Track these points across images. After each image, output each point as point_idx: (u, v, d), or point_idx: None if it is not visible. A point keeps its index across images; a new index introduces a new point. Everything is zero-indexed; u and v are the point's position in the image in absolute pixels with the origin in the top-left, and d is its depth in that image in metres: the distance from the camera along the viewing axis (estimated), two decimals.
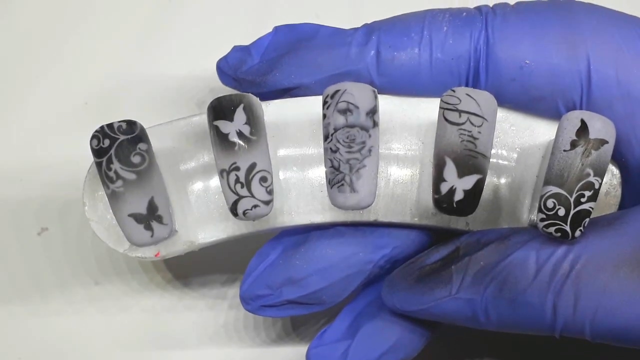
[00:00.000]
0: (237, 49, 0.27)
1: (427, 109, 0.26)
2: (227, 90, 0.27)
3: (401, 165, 0.26)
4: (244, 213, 0.23)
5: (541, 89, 0.25)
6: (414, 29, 0.26)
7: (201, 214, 0.26)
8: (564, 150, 0.23)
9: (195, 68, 0.34)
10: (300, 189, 0.26)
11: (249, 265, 0.27)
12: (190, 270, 0.32)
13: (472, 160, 0.23)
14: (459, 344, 0.25)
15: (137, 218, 0.23)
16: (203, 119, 0.26)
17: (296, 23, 0.27)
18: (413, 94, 0.26)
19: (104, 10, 0.35)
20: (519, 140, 0.26)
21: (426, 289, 0.24)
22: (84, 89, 0.34)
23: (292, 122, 0.26)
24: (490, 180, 0.26)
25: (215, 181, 0.26)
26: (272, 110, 0.26)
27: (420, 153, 0.26)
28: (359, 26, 0.27)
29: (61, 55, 0.34)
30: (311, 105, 0.26)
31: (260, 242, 0.27)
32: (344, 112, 0.23)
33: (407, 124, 0.26)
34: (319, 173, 0.26)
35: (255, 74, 0.27)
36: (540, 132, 0.26)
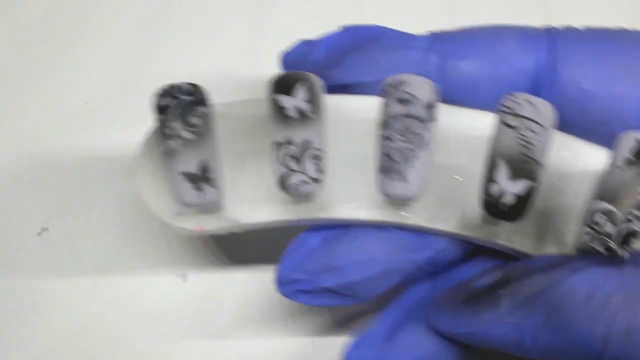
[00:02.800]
0: (303, 43, 0.28)
1: (483, 121, 0.26)
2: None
3: (451, 174, 0.26)
4: (292, 187, 0.23)
5: (600, 113, 0.25)
6: (479, 41, 0.26)
7: (249, 195, 0.26)
8: (618, 168, 0.23)
9: (195, 68, 0.34)
10: (348, 185, 0.26)
11: (288, 249, 0.27)
12: (191, 267, 0.31)
13: (525, 165, 0.23)
14: None
15: (189, 177, 0.23)
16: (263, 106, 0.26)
17: (363, 24, 0.28)
18: (471, 105, 0.26)
19: (105, 11, 0.36)
20: (572, 166, 0.26)
21: (473, 312, 0.24)
22: (84, 89, 0.34)
23: (349, 118, 0.26)
24: (540, 201, 0.25)
25: (267, 166, 0.26)
26: (331, 104, 0.26)
27: (472, 164, 0.26)
28: (425, 33, 0.27)
29: (61, 55, 0.35)
30: (370, 104, 0.26)
31: (300, 231, 0.27)
32: (403, 101, 0.24)
33: (462, 134, 0.26)
34: (369, 171, 0.26)
35: (319, 68, 0.27)
36: (594, 160, 0.26)
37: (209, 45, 0.35)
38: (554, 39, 0.26)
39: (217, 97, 0.34)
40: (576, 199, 0.25)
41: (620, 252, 0.22)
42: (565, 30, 0.27)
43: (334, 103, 0.26)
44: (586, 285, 0.22)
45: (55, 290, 0.31)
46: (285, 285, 0.26)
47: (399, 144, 0.23)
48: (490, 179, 0.23)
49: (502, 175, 0.23)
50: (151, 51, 0.35)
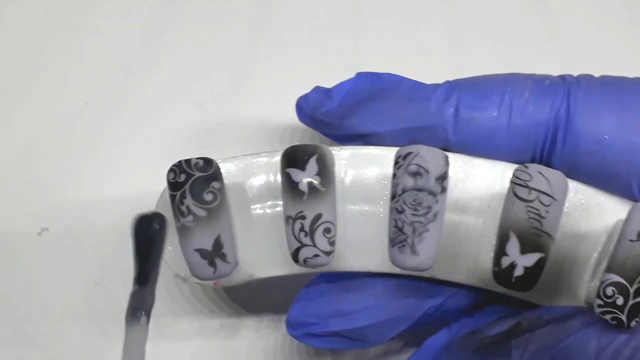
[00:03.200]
0: (318, 90, 0.28)
1: (499, 173, 0.26)
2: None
3: (464, 226, 0.26)
4: (305, 261, 0.24)
5: (617, 166, 0.25)
6: (495, 92, 0.26)
7: (263, 250, 0.26)
8: (630, 240, 0.23)
9: (195, 67, 0.34)
10: (360, 237, 0.26)
11: (300, 293, 0.27)
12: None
13: (536, 239, 0.23)
14: None
15: (203, 253, 0.24)
16: (276, 158, 0.26)
17: (379, 72, 0.28)
18: (486, 156, 0.26)
19: (106, 11, 0.35)
20: (586, 216, 0.26)
21: None
22: (84, 89, 0.34)
23: (362, 170, 0.26)
24: (553, 253, 0.25)
25: (279, 220, 0.26)
26: (346, 155, 0.26)
27: (485, 216, 0.26)
28: (441, 83, 0.27)
29: (62, 55, 0.34)
30: (383, 158, 0.26)
31: (312, 276, 0.28)
32: (414, 174, 0.24)
33: (476, 185, 0.26)
34: (381, 226, 0.26)
35: (333, 117, 0.27)
36: (609, 210, 0.25)
37: (208, 46, 0.35)
38: (569, 90, 0.26)
39: (220, 98, 0.34)
40: (590, 249, 0.26)
41: (628, 323, 0.23)
42: (581, 80, 0.26)
43: (348, 154, 0.26)
44: (596, 340, 0.23)
45: (55, 290, 0.31)
46: (295, 328, 0.27)
47: (409, 217, 0.23)
48: (501, 251, 0.23)
49: (513, 248, 0.23)
50: (152, 51, 0.35)
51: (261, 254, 0.27)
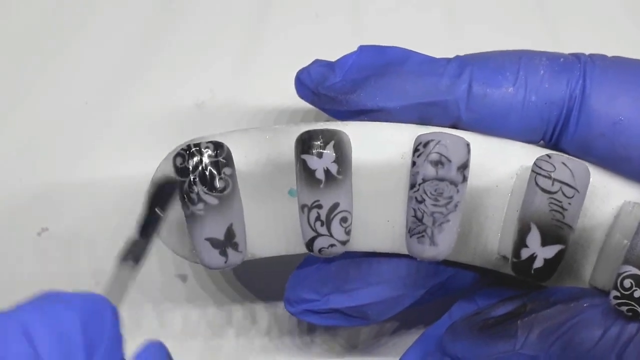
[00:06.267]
0: (319, 64, 0.26)
1: (509, 153, 0.25)
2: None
3: (473, 206, 0.25)
4: (320, 250, 0.23)
5: (629, 149, 0.25)
6: (509, 68, 0.25)
7: (266, 230, 0.25)
8: None
9: (197, 65, 0.34)
10: (366, 217, 0.25)
11: (297, 268, 0.26)
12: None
13: (558, 231, 0.22)
14: None
15: (214, 243, 0.23)
16: (279, 137, 0.25)
17: (383, 45, 0.26)
18: (498, 134, 0.26)
19: (106, 10, 0.35)
20: (594, 198, 0.25)
21: (490, 341, 0.24)
22: (84, 89, 0.33)
23: (368, 148, 0.25)
24: None
25: (281, 199, 0.25)
26: (352, 133, 0.25)
27: (494, 198, 0.25)
28: (452, 57, 0.26)
29: (62, 55, 0.34)
30: (391, 134, 0.25)
31: None
32: (436, 164, 0.23)
33: (485, 165, 0.25)
34: (387, 205, 0.25)
35: (338, 92, 0.26)
36: (617, 191, 0.25)
37: (209, 44, 0.34)
38: (585, 69, 0.25)
39: (224, 91, 0.33)
40: (596, 231, 0.25)
41: None
42: (595, 59, 0.25)
43: (353, 130, 0.25)
44: (603, 319, 0.23)
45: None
46: (294, 304, 0.26)
47: (429, 208, 0.23)
48: (521, 242, 0.23)
49: (534, 240, 0.23)
50: (152, 51, 0.34)
51: (262, 234, 0.26)
